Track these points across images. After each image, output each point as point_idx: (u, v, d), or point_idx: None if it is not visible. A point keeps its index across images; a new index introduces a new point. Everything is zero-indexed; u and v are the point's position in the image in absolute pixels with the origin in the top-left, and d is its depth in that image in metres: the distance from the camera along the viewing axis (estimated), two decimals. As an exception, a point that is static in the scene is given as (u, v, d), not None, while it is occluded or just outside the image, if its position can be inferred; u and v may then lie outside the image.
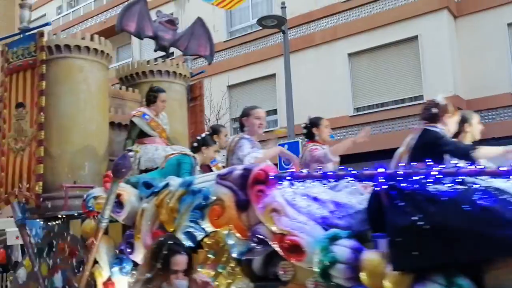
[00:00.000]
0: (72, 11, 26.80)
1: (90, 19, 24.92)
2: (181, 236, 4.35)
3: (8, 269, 15.76)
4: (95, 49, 6.12)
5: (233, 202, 4.07)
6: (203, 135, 5.62)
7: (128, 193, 4.91)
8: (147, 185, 4.84)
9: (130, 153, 5.71)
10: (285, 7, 13.42)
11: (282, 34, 13.22)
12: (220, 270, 4.14)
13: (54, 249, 5.54)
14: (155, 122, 6.19)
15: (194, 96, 7.53)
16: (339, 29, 16.75)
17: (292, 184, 3.96)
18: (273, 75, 17.71)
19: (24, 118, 5.69)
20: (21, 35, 5.99)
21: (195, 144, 5.52)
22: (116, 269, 4.89)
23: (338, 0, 16.87)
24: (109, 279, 4.95)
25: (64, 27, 24.50)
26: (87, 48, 6.05)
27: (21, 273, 5.76)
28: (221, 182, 4.21)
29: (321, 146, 5.45)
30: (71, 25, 25.35)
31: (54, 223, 5.78)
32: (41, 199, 5.47)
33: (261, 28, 13.47)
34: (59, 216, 5.67)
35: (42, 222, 6.06)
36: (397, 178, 3.26)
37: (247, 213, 4.03)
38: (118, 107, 6.79)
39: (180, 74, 7.28)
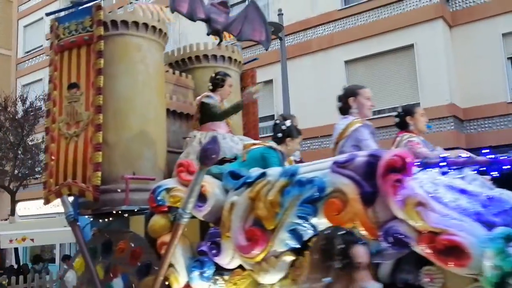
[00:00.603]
0: (72, 15, 25.58)
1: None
2: (285, 234, 3.39)
3: (1, 273, 14.35)
4: (154, 27, 5.07)
5: (357, 195, 3.11)
6: (288, 124, 4.49)
7: (211, 184, 3.87)
8: (235, 175, 3.82)
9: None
10: (282, 14, 12.71)
11: (279, 41, 12.46)
12: (336, 276, 3.20)
13: (111, 250, 4.46)
14: (222, 105, 5.21)
15: (245, 85, 6.44)
16: (336, 36, 16.00)
17: (445, 173, 3.03)
18: (271, 81, 16.81)
19: (78, 100, 4.55)
20: (74, 9, 4.88)
21: (279, 135, 4.44)
22: (196, 273, 3.83)
23: (335, 8, 16.15)
24: (187, 285, 3.90)
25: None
26: (145, 25, 5.00)
27: (70, 277, 4.61)
28: (340, 170, 3.23)
29: (418, 137, 4.58)
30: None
31: (107, 219, 4.70)
32: (98, 192, 4.36)
33: (258, 34, 12.58)
34: (114, 212, 4.58)
35: (91, 219, 4.95)
36: None
37: (374, 208, 3.08)
38: (173, 93, 5.70)
39: (235, 60, 6.27)
